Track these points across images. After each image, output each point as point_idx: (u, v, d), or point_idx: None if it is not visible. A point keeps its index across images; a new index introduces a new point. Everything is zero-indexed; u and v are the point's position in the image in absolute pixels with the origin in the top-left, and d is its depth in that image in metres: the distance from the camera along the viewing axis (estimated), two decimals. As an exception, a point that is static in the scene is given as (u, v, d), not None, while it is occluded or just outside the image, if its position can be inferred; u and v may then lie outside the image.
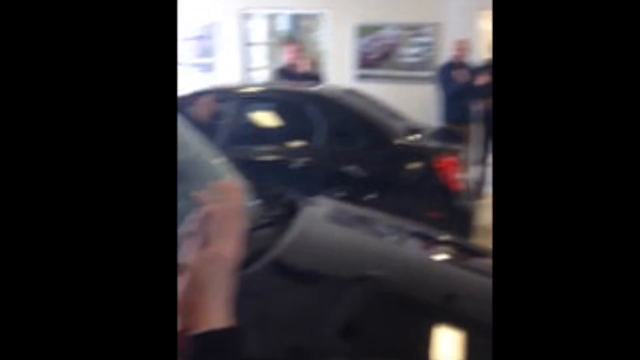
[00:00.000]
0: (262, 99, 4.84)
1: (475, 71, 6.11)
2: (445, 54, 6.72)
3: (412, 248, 2.52)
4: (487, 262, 2.34)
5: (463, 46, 6.22)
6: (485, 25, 6.68)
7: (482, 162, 6.31)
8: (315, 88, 5.00)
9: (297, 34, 7.92)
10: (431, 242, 2.53)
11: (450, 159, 4.07)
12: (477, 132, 6.25)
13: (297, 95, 4.62)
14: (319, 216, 2.56)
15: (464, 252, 2.52)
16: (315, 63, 6.54)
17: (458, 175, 4.05)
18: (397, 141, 4.22)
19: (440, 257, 2.45)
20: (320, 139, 4.23)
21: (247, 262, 1.49)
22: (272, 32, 8.33)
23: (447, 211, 3.98)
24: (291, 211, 2.46)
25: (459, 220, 4.01)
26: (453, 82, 6.10)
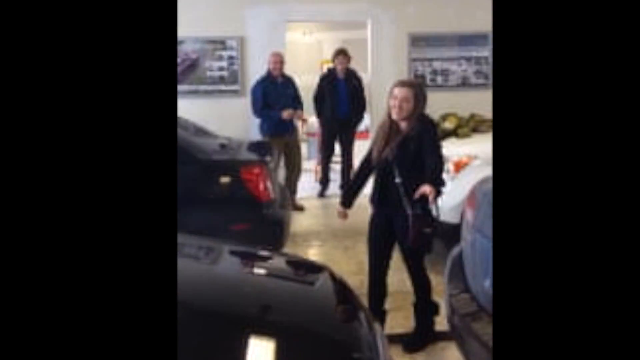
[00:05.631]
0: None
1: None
2: (253, 67, 6.80)
3: (224, 266, 2.49)
4: (300, 271, 2.40)
5: (278, 59, 6.27)
6: (291, 37, 6.84)
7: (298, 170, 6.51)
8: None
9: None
10: (245, 257, 2.54)
11: (258, 169, 4.12)
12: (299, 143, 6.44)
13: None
14: None
15: (279, 262, 2.55)
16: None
17: (266, 185, 4.11)
18: (203, 157, 4.18)
19: (255, 270, 2.46)
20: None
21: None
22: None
23: (254, 222, 4.01)
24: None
25: (268, 230, 4.08)
26: (284, 97, 6.17)
